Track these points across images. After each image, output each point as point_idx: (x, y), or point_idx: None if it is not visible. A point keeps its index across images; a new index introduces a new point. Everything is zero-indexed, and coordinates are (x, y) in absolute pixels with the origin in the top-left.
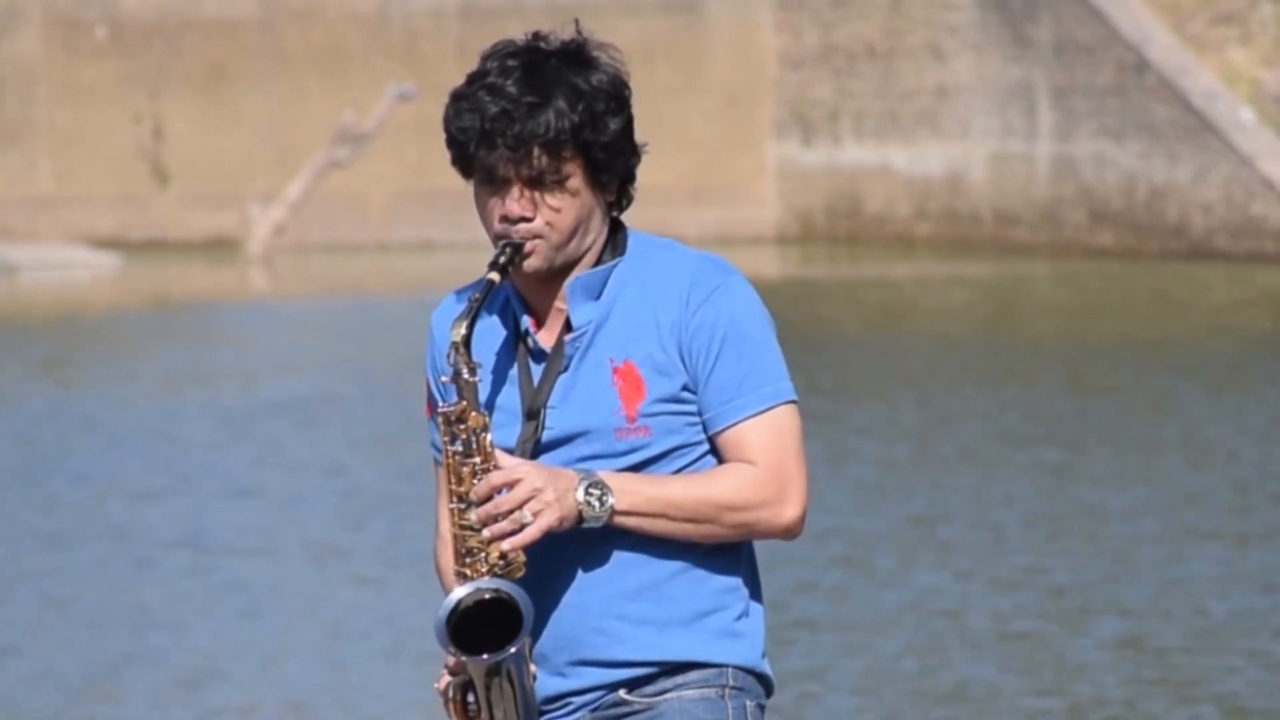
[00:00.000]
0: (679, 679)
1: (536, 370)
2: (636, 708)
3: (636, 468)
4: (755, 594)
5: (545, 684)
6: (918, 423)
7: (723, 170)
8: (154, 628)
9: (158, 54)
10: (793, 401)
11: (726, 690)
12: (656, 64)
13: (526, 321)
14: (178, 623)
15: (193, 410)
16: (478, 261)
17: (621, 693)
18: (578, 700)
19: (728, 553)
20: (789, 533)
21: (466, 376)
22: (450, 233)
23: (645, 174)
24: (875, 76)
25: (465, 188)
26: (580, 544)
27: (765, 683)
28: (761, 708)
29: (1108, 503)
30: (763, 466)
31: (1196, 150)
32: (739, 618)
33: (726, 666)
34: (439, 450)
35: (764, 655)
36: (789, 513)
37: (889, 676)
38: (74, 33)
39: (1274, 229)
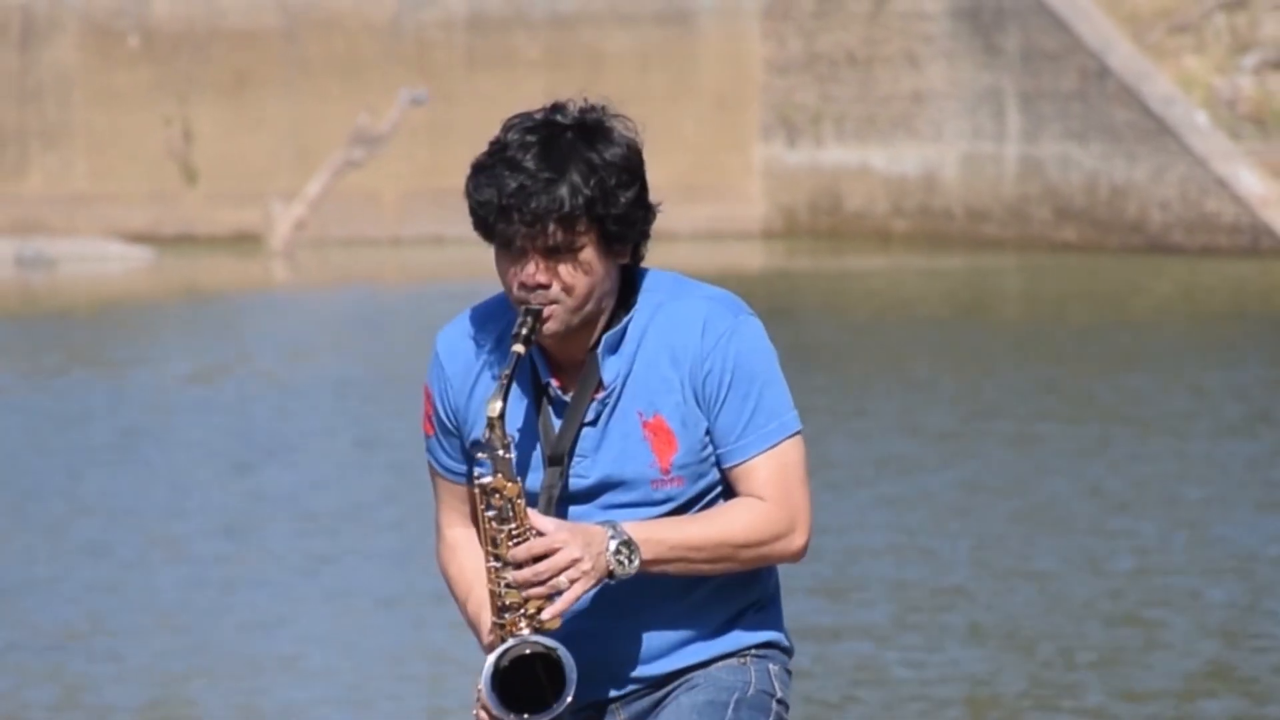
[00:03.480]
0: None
1: (557, 421)
2: (669, 687)
3: (673, 513)
4: (775, 584)
5: (584, 693)
6: (899, 402)
7: (713, 170)
8: (213, 588)
9: (186, 61)
10: (797, 432)
11: (750, 658)
12: (651, 71)
13: (546, 372)
14: (237, 582)
15: (219, 392)
16: (485, 255)
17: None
18: (615, 702)
19: (748, 572)
20: (796, 557)
21: (502, 454)
22: (459, 228)
23: None
24: (855, 82)
25: None
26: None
27: (788, 651)
28: (788, 671)
29: (1089, 470)
30: (772, 501)
31: (1154, 151)
32: (761, 608)
33: (749, 647)
34: (440, 466)
35: (783, 630)
36: (797, 542)
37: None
38: (108, 42)
39: (1226, 225)
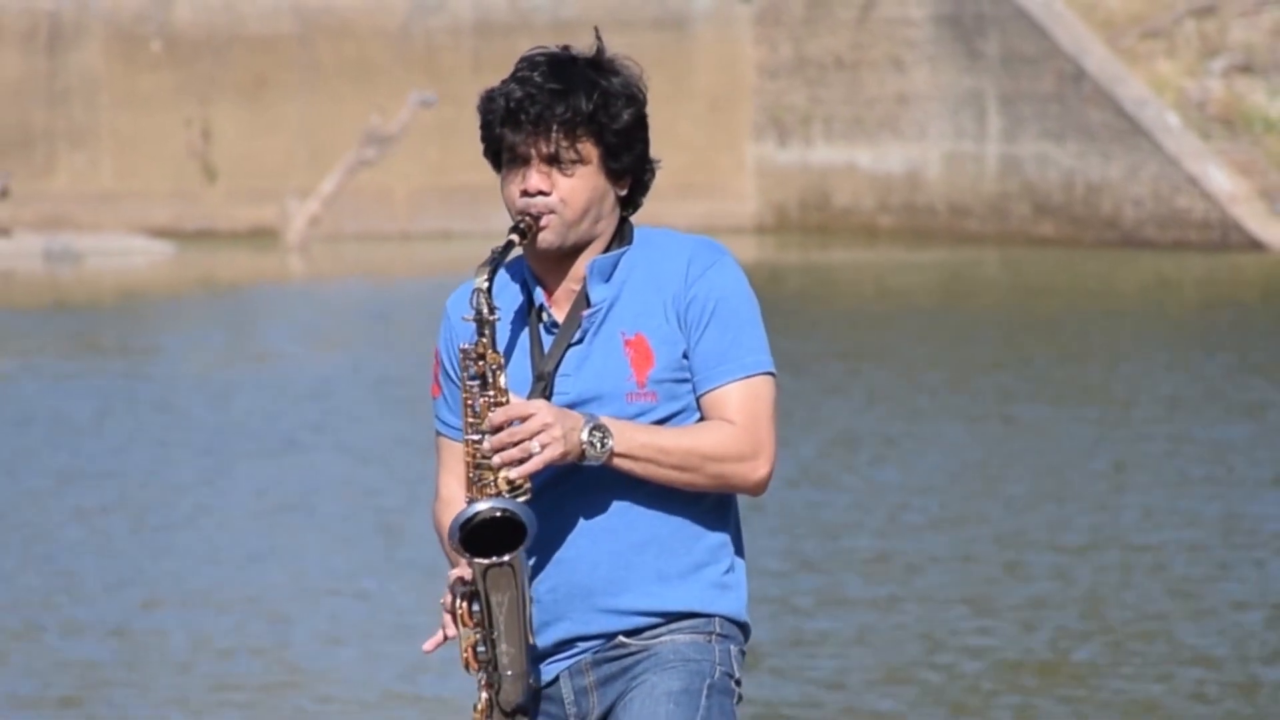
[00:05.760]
0: (674, 625)
1: (548, 340)
2: (633, 649)
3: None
4: (740, 550)
5: (557, 629)
6: (885, 384)
7: (707, 168)
8: (281, 561)
9: (207, 65)
10: (771, 374)
11: (714, 636)
12: (649, 74)
13: (542, 296)
14: (305, 556)
15: (240, 379)
16: (490, 249)
17: (621, 637)
18: (583, 645)
19: (717, 513)
20: (758, 488)
21: (488, 315)
22: (466, 224)
23: None
24: (843, 85)
25: (479, 184)
26: (593, 501)
27: (746, 630)
28: (743, 652)
29: (1091, 450)
30: (740, 426)
31: (1128, 151)
32: (727, 571)
33: (715, 616)
34: (444, 425)
35: (745, 607)
36: (760, 470)
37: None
38: (132, 46)
39: (1196, 221)
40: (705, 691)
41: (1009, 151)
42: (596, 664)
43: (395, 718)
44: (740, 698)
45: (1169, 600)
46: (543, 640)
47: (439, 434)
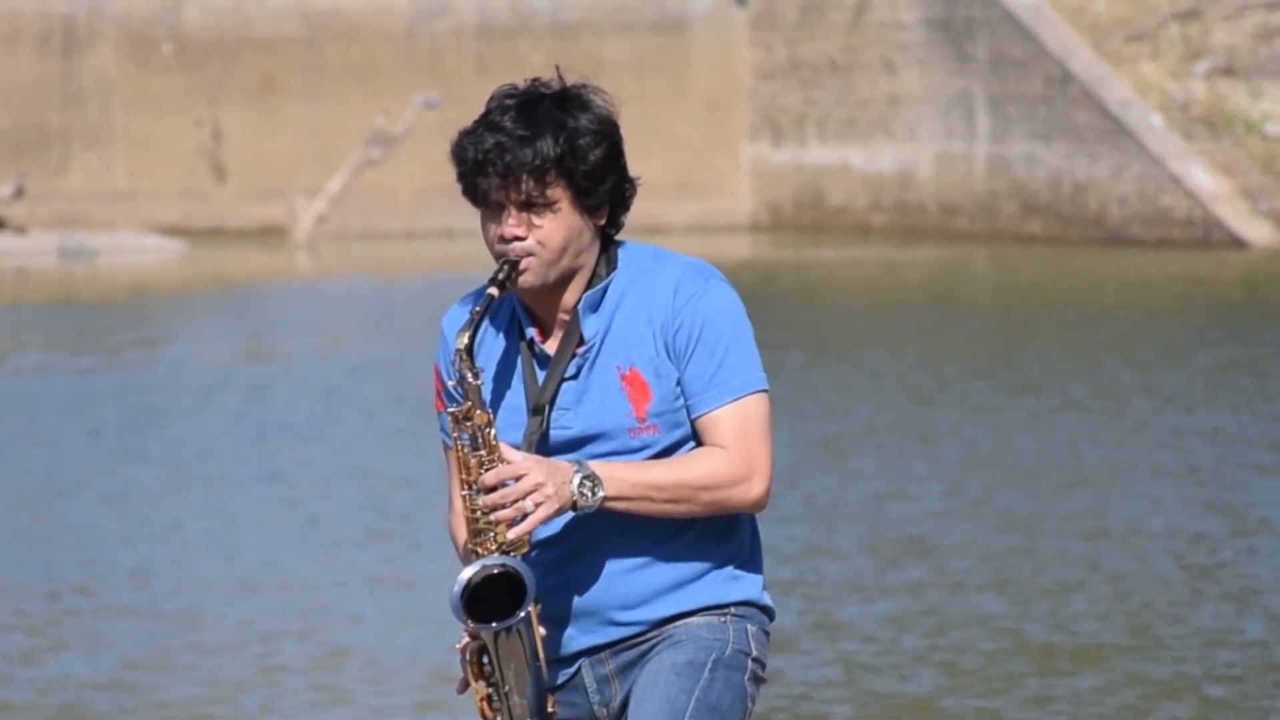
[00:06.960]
0: (690, 615)
1: (541, 373)
2: (650, 636)
3: (650, 459)
4: (755, 542)
5: (578, 639)
6: (883, 378)
7: (704, 168)
8: (323, 548)
9: (216, 67)
10: (762, 390)
11: (730, 617)
12: (647, 76)
13: (531, 331)
14: (344, 543)
15: (250, 372)
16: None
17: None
18: (605, 650)
19: (724, 519)
20: (755, 506)
21: (470, 380)
22: (469, 222)
23: (638, 172)
24: (836, 87)
25: None
26: (599, 528)
27: (767, 612)
28: (766, 632)
29: (1065, 436)
30: (732, 450)
31: (1113, 151)
32: (741, 565)
33: (729, 604)
34: (449, 437)
35: (764, 590)
36: (755, 490)
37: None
38: (144, 49)
39: (1180, 219)
40: (710, 664)
41: (998, 152)
42: (616, 653)
43: (442, 699)
44: (760, 678)
45: (1190, 585)
46: (560, 653)
47: (446, 446)
